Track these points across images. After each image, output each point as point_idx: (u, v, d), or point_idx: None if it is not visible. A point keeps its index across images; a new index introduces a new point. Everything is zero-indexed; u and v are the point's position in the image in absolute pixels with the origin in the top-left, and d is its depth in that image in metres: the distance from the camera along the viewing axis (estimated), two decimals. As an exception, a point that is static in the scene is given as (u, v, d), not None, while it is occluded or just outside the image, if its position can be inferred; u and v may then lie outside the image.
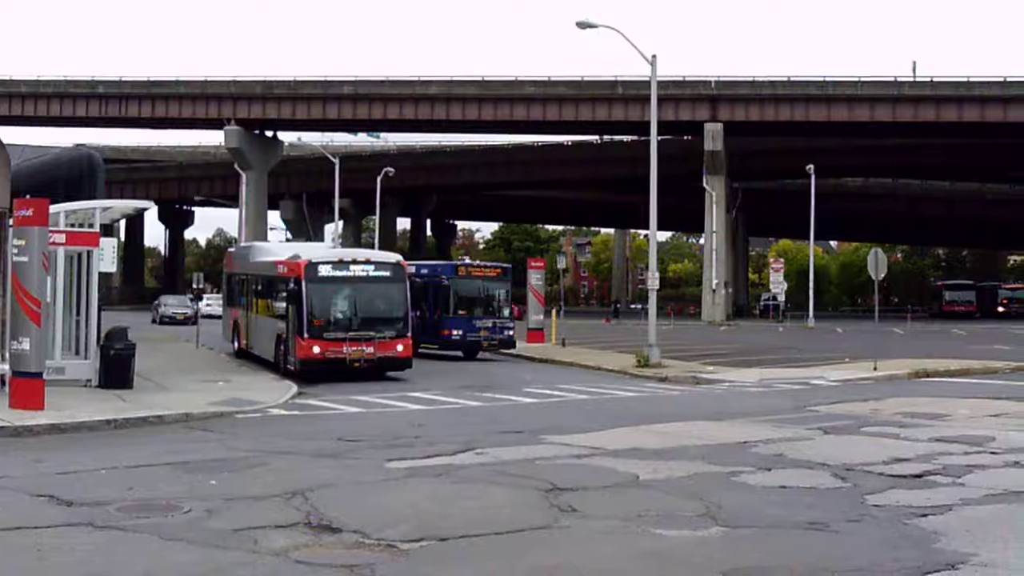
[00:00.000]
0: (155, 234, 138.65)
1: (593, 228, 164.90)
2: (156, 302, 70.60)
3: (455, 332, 36.85)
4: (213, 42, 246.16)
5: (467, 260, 51.11)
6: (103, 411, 19.50)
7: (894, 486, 13.21)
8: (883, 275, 33.98)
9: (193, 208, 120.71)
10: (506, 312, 38.84)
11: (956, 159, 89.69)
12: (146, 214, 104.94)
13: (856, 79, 76.89)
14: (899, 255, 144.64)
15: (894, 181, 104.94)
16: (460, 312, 37.27)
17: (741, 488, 13.12)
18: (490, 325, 37.58)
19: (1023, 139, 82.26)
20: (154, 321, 63.19)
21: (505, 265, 42.43)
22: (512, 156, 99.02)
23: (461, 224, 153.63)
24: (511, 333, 38.43)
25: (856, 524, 11.13)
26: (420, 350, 33.56)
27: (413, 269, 35.41)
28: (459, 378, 29.83)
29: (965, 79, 75.21)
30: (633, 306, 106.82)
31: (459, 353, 37.66)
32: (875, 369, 31.66)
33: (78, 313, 24.29)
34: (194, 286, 53.14)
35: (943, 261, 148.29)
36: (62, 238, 22.92)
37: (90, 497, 12.07)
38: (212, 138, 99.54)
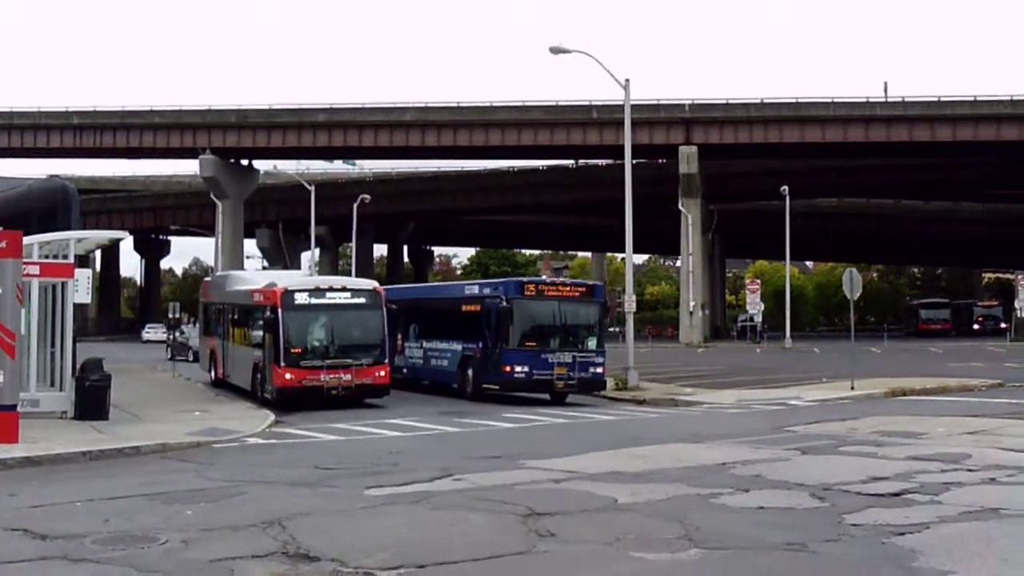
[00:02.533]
0: (131, 264, 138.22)
1: (570, 252, 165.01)
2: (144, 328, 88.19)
3: (519, 369, 29.74)
4: (187, 71, 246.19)
5: (544, 277, 45.72)
6: (78, 443, 19.36)
7: (872, 505, 13.22)
8: (859, 294, 34.15)
9: (169, 238, 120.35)
10: (592, 343, 31.13)
11: (929, 178, 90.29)
12: (122, 244, 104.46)
13: (829, 100, 77.41)
14: (875, 274, 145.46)
15: (868, 201, 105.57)
16: (527, 343, 30.31)
17: (719, 510, 13.11)
18: (568, 360, 30.13)
19: (994, 158, 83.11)
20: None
21: (593, 283, 34.05)
22: (488, 181, 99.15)
23: (438, 250, 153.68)
24: (599, 371, 30.98)
25: (834, 544, 11.13)
26: (484, 387, 30.47)
27: (476, 289, 33.10)
28: (437, 404, 29.76)
29: (936, 99, 75.83)
30: (611, 329, 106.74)
31: (545, 396, 30.97)
32: (852, 388, 31.78)
33: (53, 345, 24.16)
34: (170, 316, 52.90)
35: (919, 280, 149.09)
36: (36, 269, 22.81)
37: (65, 530, 11.94)
38: (187, 167, 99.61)
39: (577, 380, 30.19)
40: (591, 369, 30.52)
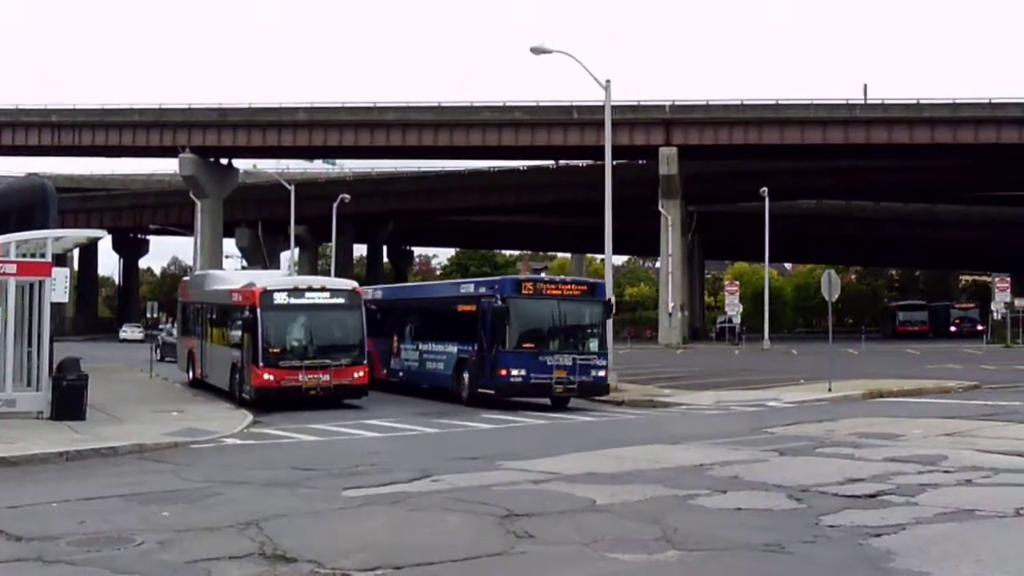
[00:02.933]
0: (109, 263, 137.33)
1: (550, 253, 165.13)
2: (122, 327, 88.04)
3: (515, 372, 28.03)
4: (168, 70, 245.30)
5: (542, 274, 42.25)
6: (55, 443, 19.26)
7: (849, 506, 13.28)
8: (837, 296, 34.25)
9: (148, 237, 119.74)
10: (593, 345, 29.49)
11: (908, 180, 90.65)
12: (100, 243, 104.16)
13: (808, 102, 77.65)
14: (853, 276, 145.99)
15: (847, 203, 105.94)
16: (525, 345, 28.50)
17: (697, 511, 13.15)
18: (568, 363, 28.46)
19: (972, 160, 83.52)
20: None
21: (594, 281, 32.45)
22: (468, 181, 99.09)
23: (418, 250, 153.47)
24: (601, 374, 29.35)
25: (811, 545, 11.17)
26: (479, 391, 28.81)
27: (471, 288, 31.16)
28: (416, 405, 29.72)
29: (915, 101, 76.18)
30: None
31: (546, 401, 29.35)
32: (830, 390, 31.87)
33: (30, 344, 24.01)
34: (148, 315, 52.73)
35: (896, 282, 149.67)
36: (13, 268, 22.71)
37: (41, 531, 11.89)
38: (167, 166, 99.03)
39: (578, 384, 28.56)
40: (592, 372, 28.88)
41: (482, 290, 30.01)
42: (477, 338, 29.02)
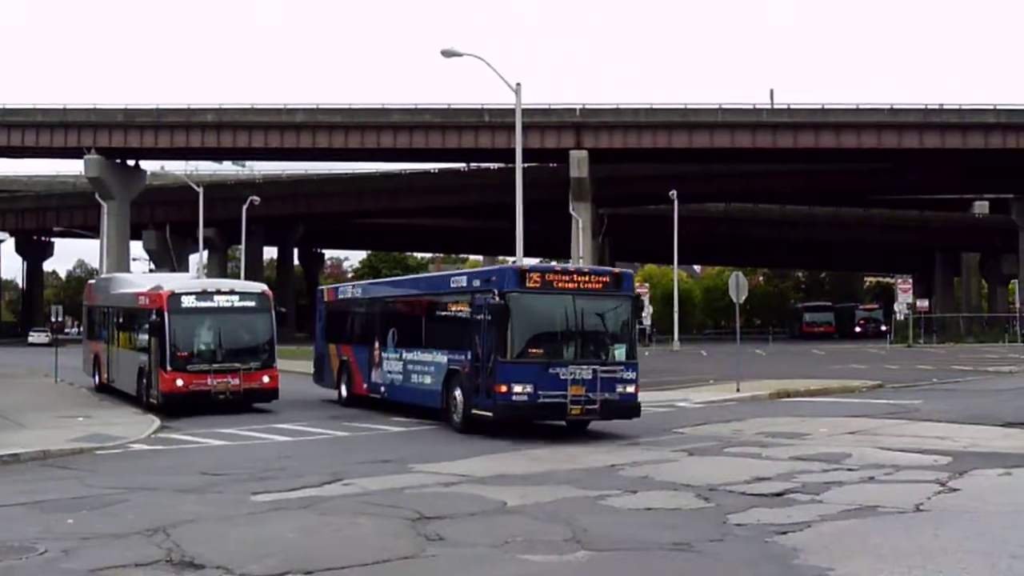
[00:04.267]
0: (12, 266, 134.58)
1: (462, 255, 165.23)
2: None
3: (518, 389, 21.33)
4: (72, 69, 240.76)
5: (554, 263, 31.79)
6: (-46, 451, 18.82)
7: (755, 505, 13.49)
8: (744, 298, 34.69)
9: (52, 239, 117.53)
10: (620, 353, 22.60)
11: (815, 184, 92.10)
12: (2, 246, 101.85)
13: (717, 107, 78.50)
14: (761, 278, 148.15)
15: (756, 206, 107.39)
16: (531, 353, 21.78)
17: (608, 511, 13.26)
18: (588, 376, 21.66)
19: (877, 165, 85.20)
20: None
21: (620, 271, 23.81)
22: (380, 184, 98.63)
23: (329, 253, 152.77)
24: (631, 390, 22.42)
25: (719, 544, 11.33)
26: (473, 413, 22.47)
27: (464, 280, 24.46)
28: (327, 409, 29.49)
29: (820, 107, 77.44)
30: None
31: (562, 423, 23.17)
32: (738, 390, 32.29)
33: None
34: (53, 319, 51.64)
35: (803, 283, 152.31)
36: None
37: (-61, 541, 11.62)
38: (72, 167, 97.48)
39: (600, 403, 21.83)
40: (619, 388, 22.22)
41: (476, 283, 23.51)
42: (471, 345, 22.99)
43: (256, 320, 29.10)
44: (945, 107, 76.39)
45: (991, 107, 76.16)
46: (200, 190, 71.30)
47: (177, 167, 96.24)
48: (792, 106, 78.35)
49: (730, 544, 11.31)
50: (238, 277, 78.92)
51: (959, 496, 14.06)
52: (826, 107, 77.24)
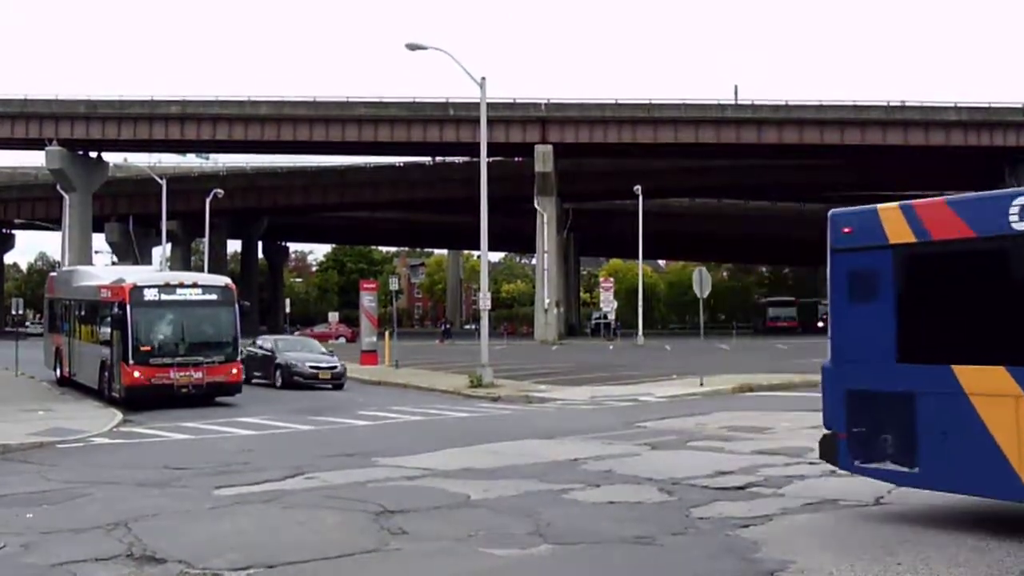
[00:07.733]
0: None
1: (427, 249, 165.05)
2: None
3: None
4: (34, 60, 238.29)
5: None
6: (-87, 445, 18.63)
7: (718, 498, 13.57)
8: (708, 293, 34.83)
9: (13, 232, 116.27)
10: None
11: (778, 180, 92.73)
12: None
13: (681, 102, 78.87)
14: (725, 273, 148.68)
15: (720, 201, 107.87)
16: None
17: (571, 505, 13.29)
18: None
19: (839, 161, 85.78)
20: None
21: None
22: (345, 177, 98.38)
23: (294, 246, 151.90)
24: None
25: (681, 537, 11.39)
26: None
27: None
28: (291, 403, 29.43)
29: (784, 103, 77.97)
30: (467, 326, 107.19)
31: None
32: (701, 385, 32.43)
33: None
34: (13, 312, 51.15)
35: (767, 279, 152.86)
36: None
37: None
38: (33, 159, 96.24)
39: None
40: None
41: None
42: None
43: (219, 313, 28.99)
44: (908, 104, 77.13)
45: (952, 104, 76.91)
46: (163, 182, 70.76)
47: (140, 159, 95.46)
48: (756, 102, 78.89)
49: (692, 537, 11.37)
50: (201, 270, 78.51)
51: (918, 490, 14.15)
52: (790, 103, 77.77)
